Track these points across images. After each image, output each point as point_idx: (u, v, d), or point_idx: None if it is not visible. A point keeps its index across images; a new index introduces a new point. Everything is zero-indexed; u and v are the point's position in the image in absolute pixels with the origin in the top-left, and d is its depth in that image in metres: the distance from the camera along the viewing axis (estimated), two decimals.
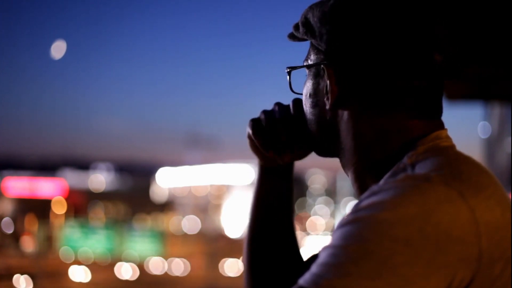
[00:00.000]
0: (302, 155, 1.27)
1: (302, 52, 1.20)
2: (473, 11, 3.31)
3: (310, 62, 1.14)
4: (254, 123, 1.26)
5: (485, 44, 3.46)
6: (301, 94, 1.20)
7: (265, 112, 1.26)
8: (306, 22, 1.13)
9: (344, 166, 1.14)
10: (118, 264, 42.17)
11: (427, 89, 1.05)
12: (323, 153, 1.20)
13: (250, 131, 1.25)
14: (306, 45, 1.20)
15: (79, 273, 39.56)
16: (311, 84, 1.14)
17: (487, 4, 3.36)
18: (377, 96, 1.05)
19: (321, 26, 1.09)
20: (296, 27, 1.17)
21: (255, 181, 1.34)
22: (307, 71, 1.16)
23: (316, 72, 1.13)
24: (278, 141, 1.23)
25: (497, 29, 3.39)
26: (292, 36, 1.20)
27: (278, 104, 1.26)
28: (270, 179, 1.32)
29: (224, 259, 45.37)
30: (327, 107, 1.09)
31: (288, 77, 1.19)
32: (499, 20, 3.36)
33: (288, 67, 1.19)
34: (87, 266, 40.57)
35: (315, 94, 1.13)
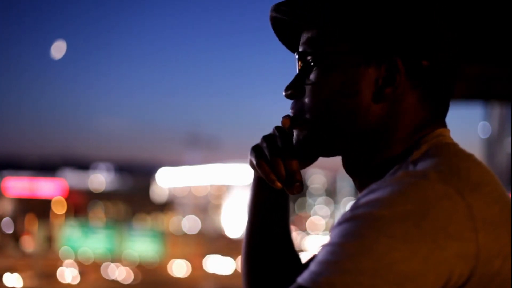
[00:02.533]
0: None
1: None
2: (473, 10, 3.31)
3: (335, 49, 1.04)
4: (257, 152, 1.17)
5: (485, 44, 3.46)
6: (310, 83, 1.08)
7: (266, 139, 1.18)
8: (321, 5, 1.05)
9: (355, 165, 1.09)
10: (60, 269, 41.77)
11: (443, 88, 1.06)
12: (331, 152, 1.10)
13: (254, 162, 1.17)
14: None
15: (11, 279, 39.23)
16: (345, 73, 1.04)
17: (487, 3, 3.36)
18: (428, 90, 1.04)
19: (362, 13, 1.02)
20: (293, 6, 1.08)
21: (250, 188, 1.28)
22: (321, 59, 1.06)
23: (349, 60, 1.04)
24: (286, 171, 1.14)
25: (497, 28, 3.39)
26: (281, 18, 1.10)
27: (277, 128, 1.18)
28: (265, 189, 1.25)
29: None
30: (376, 100, 1.03)
31: (298, 64, 1.10)
32: (499, 20, 3.36)
33: (299, 52, 1.09)
34: (20, 273, 40.13)
35: (353, 85, 1.04)
